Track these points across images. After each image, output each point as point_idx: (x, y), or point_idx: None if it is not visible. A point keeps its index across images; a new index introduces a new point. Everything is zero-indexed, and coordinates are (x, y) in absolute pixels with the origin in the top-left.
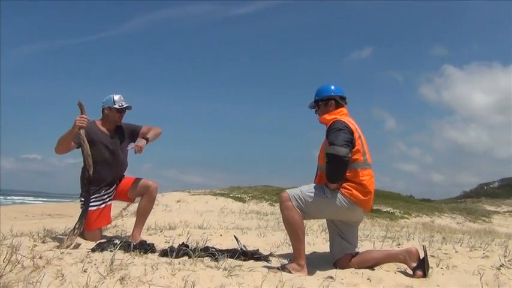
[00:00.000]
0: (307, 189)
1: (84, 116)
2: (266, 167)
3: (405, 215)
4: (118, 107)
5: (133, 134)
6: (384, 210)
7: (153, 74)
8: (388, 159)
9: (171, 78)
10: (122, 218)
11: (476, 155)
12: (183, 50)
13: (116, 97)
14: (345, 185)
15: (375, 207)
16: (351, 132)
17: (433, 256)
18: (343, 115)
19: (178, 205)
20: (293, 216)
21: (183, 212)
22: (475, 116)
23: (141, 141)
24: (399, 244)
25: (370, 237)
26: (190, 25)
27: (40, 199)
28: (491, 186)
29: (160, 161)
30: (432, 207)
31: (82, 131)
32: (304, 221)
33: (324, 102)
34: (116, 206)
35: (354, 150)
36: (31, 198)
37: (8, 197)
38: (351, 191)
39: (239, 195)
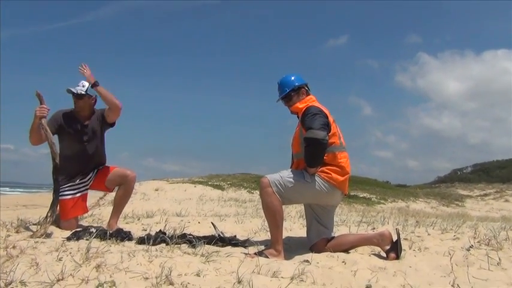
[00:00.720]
0: (287, 175)
1: (44, 106)
2: (244, 155)
3: (381, 201)
4: (74, 92)
5: (102, 116)
6: (361, 196)
7: (130, 62)
8: (364, 147)
9: (147, 66)
10: (99, 207)
11: (450, 141)
12: (159, 37)
13: (79, 84)
14: (323, 168)
15: (352, 193)
16: (326, 116)
17: (406, 239)
18: (313, 101)
19: (156, 193)
20: (272, 202)
21: (161, 200)
22: (448, 102)
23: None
24: (374, 228)
25: (347, 222)
26: (164, 11)
27: (15, 190)
28: (464, 171)
29: (138, 149)
30: (407, 192)
31: (43, 121)
32: (283, 207)
33: (296, 92)
34: (93, 196)
35: (330, 133)
36: (6, 189)
37: None
38: (330, 174)
39: (218, 183)
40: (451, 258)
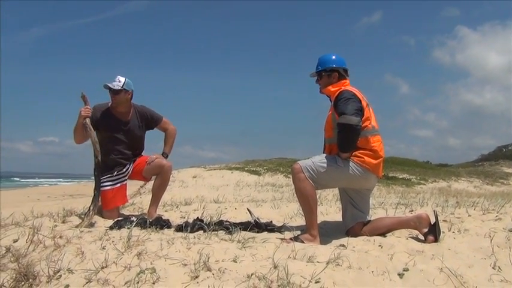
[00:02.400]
0: (319, 160)
1: (88, 107)
2: (280, 139)
3: (422, 181)
4: (111, 87)
5: (151, 122)
6: (400, 177)
7: (164, 50)
8: (403, 126)
9: (182, 53)
10: (140, 196)
11: (493, 117)
12: (193, 24)
13: (116, 79)
14: (356, 153)
15: (390, 174)
16: (359, 101)
17: (445, 221)
18: (347, 85)
19: (194, 181)
20: (305, 187)
21: (199, 187)
22: (490, 77)
23: (157, 158)
24: (412, 210)
25: (384, 205)
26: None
27: (61, 180)
28: (509, 148)
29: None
30: (449, 172)
31: (87, 120)
32: (319, 191)
33: (328, 73)
34: (134, 184)
35: (363, 118)
36: (52, 180)
37: (30, 179)
38: (363, 158)
39: (254, 169)
40: (491, 239)
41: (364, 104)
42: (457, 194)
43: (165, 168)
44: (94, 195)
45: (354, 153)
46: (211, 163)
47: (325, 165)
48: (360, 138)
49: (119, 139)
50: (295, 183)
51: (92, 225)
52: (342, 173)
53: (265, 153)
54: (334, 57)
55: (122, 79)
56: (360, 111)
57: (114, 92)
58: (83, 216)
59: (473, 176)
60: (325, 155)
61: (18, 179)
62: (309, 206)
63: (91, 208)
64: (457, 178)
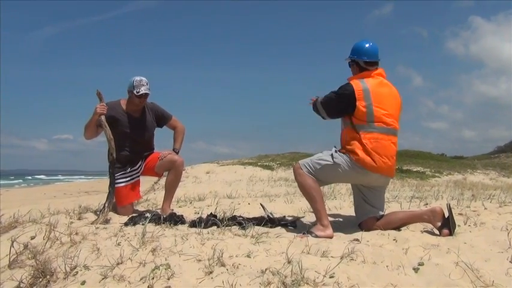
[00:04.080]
0: (317, 157)
1: (104, 104)
2: (294, 133)
3: (436, 174)
4: (136, 93)
5: (161, 120)
6: (414, 170)
7: (175, 47)
8: (416, 119)
9: (195, 49)
10: (154, 192)
11: (509, 108)
12: (206, 19)
13: (136, 81)
14: (353, 148)
15: (404, 168)
16: (346, 100)
17: (461, 214)
18: (358, 79)
19: (207, 176)
20: (305, 180)
21: (213, 182)
22: (505, 67)
23: (170, 155)
24: (427, 204)
25: (398, 198)
26: None
27: (76, 177)
28: None
29: (188, 133)
30: (464, 164)
31: (103, 117)
32: (332, 186)
33: (353, 63)
34: (148, 181)
35: (355, 113)
36: (68, 177)
37: (46, 177)
38: (358, 155)
39: (267, 163)
40: (509, 233)
41: (359, 102)
42: (472, 187)
43: (177, 163)
44: (109, 192)
45: (350, 149)
46: (225, 158)
47: (321, 161)
48: (354, 133)
49: (131, 136)
50: (296, 179)
51: (107, 221)
52: (337, 169)
53: (279, 148)
54: (358, 47)
55: (146, 80)
56: (334, 110)
57: (146, 96)
58: (98, 212)
59: (489, 168)
60: (324, 151)
61: (30, 177)
62: (312, 196)
63: (106, 205)
64: (473, 170)
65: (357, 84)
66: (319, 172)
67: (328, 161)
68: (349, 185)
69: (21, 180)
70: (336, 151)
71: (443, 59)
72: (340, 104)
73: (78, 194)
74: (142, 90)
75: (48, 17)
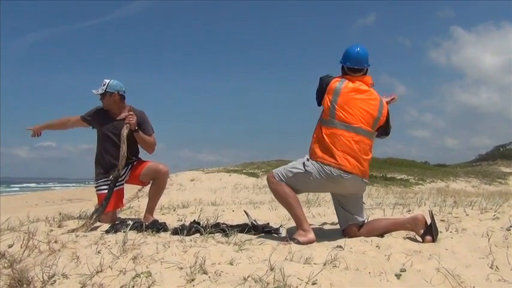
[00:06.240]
0: (290, 165)
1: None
2: (279, 141)
3: (420, 182)
4: (95, 93)
5: (142, 130)
6: (398, 177)
7: (159, 54)
8: (400, 127)
9: (178, 57)
10: (137, 199)
11: (490, 117)
12: (189, 28)
13: (102, 83)
14: (313, 148)
15: (388, 175)
16: (320, 88)
17: (443, 220)
18: (344, 78)
19: (192, 184)
20: (279, 188)
21: (197, 190)
22: (485, 77)
23: (133, 119)
24: (409, 210)
25: (382, 205)
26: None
27: (58, 185)
28: (507, 147)
29: (173, 140)
30: (447, 172)
31: (124, 132)
32: (319, 193)
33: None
34: (132, 188)
35: (323, 104)
36: (50, 184)
37: (25, 185)
38: (316, 154)
39: (252, 171)
40: (489, 239)
41: (328, 95)
42: (455, 194)
43: (161, 173)
44: (102, 205)
45: (311, 150)
46: (210, 166)
47: (293, 169)
48: (318, 129)
49: (114, 140)
50: (270, 188)
51: (89, 230)
52: (308, 177)
53: (265, 156)
54: (346, 52)
55: (107, 81)
56: (318, 92)
57: (100, 97)
58: (79, 220)
59: (471, 175)
60: (298, 159)
61: (15, 185)
62: (288, 203)
63: (94, 216)
64: (455, 178)
65: (335, 80)
66: (292, 180)
67: (299, 169)
68: None
69: (3, 189)
70: (307, 159)
71: (426, 68)
72: (319, 88)
73: (60, 202)
74: (95, 91)
75: (33, 22)
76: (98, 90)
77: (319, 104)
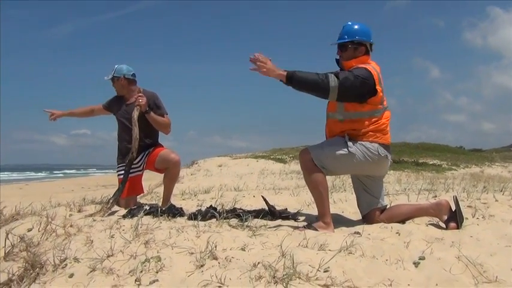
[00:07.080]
0: (329, 146)
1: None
2: (308, 126)
3: (453, 167)
4: (106, 79)
5: (154, 102)
6: (430, 163)
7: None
8: (434, 111)
9: (210, 45)
10: (162, 185)
11: None
12: (214, 17)
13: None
14: (370, 132)
15: (420, 161)
16: (372, 85)
17: (470, 206)
18: (369, 63)
19: (219, 169)
20: (314, 174)
21: (224, 175)
22: None
23: (143, 100)
24: (435, 196)
25: (407, 191)
26: None
27: (98, 171)
28: None
29: (204, 127)
30: (482, 157)
31: (135, 114)
32: (344, 178)
33: (355, 46)
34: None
35: (376, 99)
36: (89, 170)
37: (64, 171)
38: (378, 138)
39: (280, 157)
40: None
41: (379, 88)
42: (488, 179)
43: (172, 163)
44: (118, 188)
45: (366, 134)
46: (240, 152)
47: (335, 152)
48: (371, 118)
49: (126, 125)
50: (303, 171)
51: (106, 214)
52: (350, 159)
53: (295, 141)
54: (363, 28)
55: (115, 66)
56: (355, 91)
57: (111, 83)
58: (99, 205)
59: (508, 161)
60: (336, 140)
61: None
62: (318, 192)
63: (111, 200)
64: (491, 163)
65: (371, 69)
66: (332, 163)
67: (343, 150)
68: None
69: (41, 174)
70: (349, 139)
71: (460, 50)
72: (361, 89)
73: (95, 188)
74: (106, 77)
75: (66, 15)
76: (108, 76)
77: (362, 101)
